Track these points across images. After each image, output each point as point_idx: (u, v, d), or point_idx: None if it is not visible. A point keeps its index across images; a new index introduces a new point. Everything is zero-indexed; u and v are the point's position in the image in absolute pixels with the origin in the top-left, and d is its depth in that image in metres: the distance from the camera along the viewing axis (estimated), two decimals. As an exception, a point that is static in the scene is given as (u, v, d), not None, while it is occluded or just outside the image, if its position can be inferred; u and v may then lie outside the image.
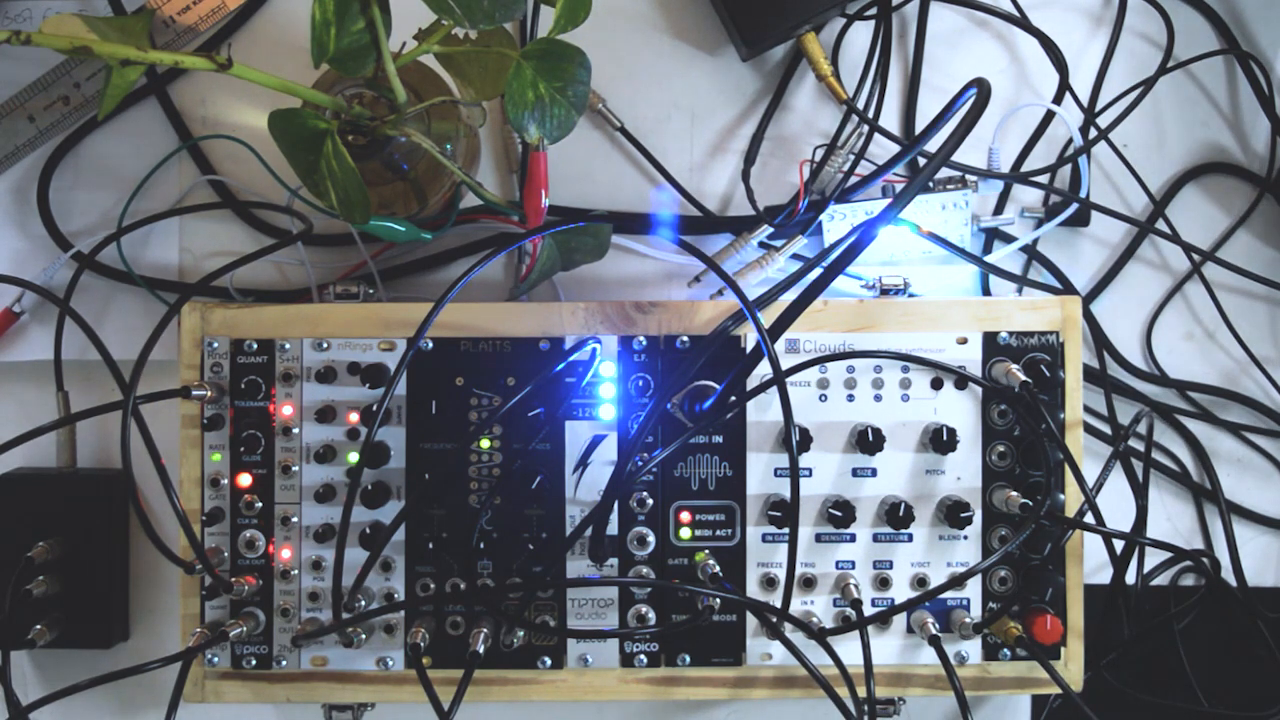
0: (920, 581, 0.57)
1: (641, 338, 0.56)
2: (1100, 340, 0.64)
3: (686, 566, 0.57)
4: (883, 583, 0.57)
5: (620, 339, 0.56)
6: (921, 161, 0.61)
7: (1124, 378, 0.65)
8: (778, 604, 0.55)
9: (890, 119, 0.63)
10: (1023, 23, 0.62)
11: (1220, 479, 0.65)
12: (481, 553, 0.56)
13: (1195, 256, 0.64)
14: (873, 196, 0.61)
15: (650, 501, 0.56)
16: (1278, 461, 0.65)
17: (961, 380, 0.56)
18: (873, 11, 0.61)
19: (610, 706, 0.64)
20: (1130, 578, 0.62)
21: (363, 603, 0.55)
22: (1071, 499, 0.56)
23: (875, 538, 0.57)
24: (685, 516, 0.57)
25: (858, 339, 0.57)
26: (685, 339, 0.56)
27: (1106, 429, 0.63)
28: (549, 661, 0.57)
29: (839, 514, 0.55)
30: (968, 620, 0.56)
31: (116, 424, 0.54)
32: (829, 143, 0.60)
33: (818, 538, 0.57)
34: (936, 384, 0.57)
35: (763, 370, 0.54)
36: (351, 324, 0.56)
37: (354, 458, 0.56)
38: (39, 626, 0.58)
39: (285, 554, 0.57)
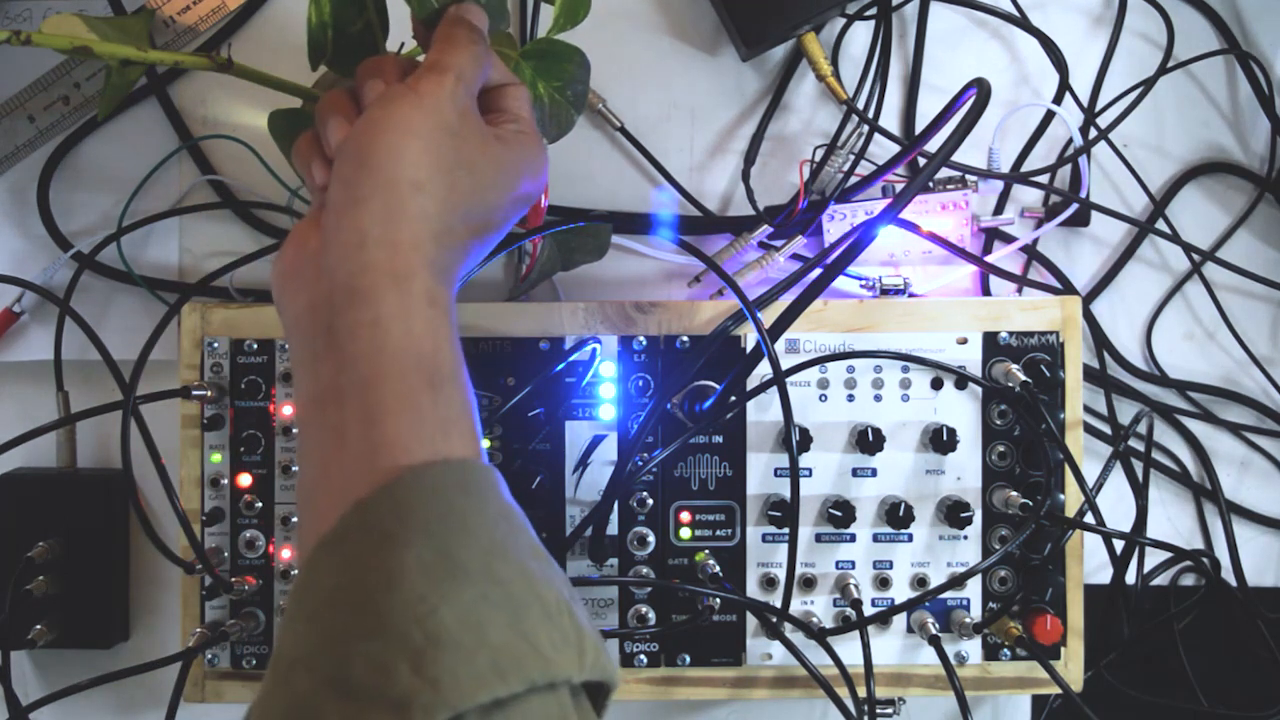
0: (920, 581, 0.57)
1: (641, 338, 0.56)
2: (1100, 340, 0.64)
3: (686, 566, 0.57)
4: (883, 583, 0.57)
5: (620, 339, 0.56)
6: (921, 161, 0.61)
7: (1124, 378, 0.65)
8: (778, 604, 0.55)
9: (890, 119, 0.63)
10: (1023, 23, 0.62)
11: (1220, 479, 0.65)
12: (481, 553, 0.56)
13: (1195, 256, 0.64)
14: (873, 196, 0.61)
15: (650, 501, 0.56)
16: (1278, 461, 0.65)
17: (961, 380, 0.56)
18: (873, 11, 0.61)
19: (610, 706, 0.64)
20: (1130, 578, 0.62)
21: (363, 603, 0.55)
22: (1071, 499, 0.56)
23: (875, 538, 0.57)
24: (685, 516, 0.57)
25: (858, 339, 0.57)
26: (685, 339, 0.56)
27: (1106, 429, 0.63)
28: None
29: (839, 514, 0.55)
30: (968, 620, 0.56)
31: (116, 424, 0.54)
32: (829, 143, 0.60)
33: (818, 538, 0.57)
34: (936, 384, 0.57)
35: (763, 370, 0.54)
36: (351, 324, 0.56)
37: (354, 458, 0.56)
38: (39, 626, 0.58)
39: (285, 554, 0.57)
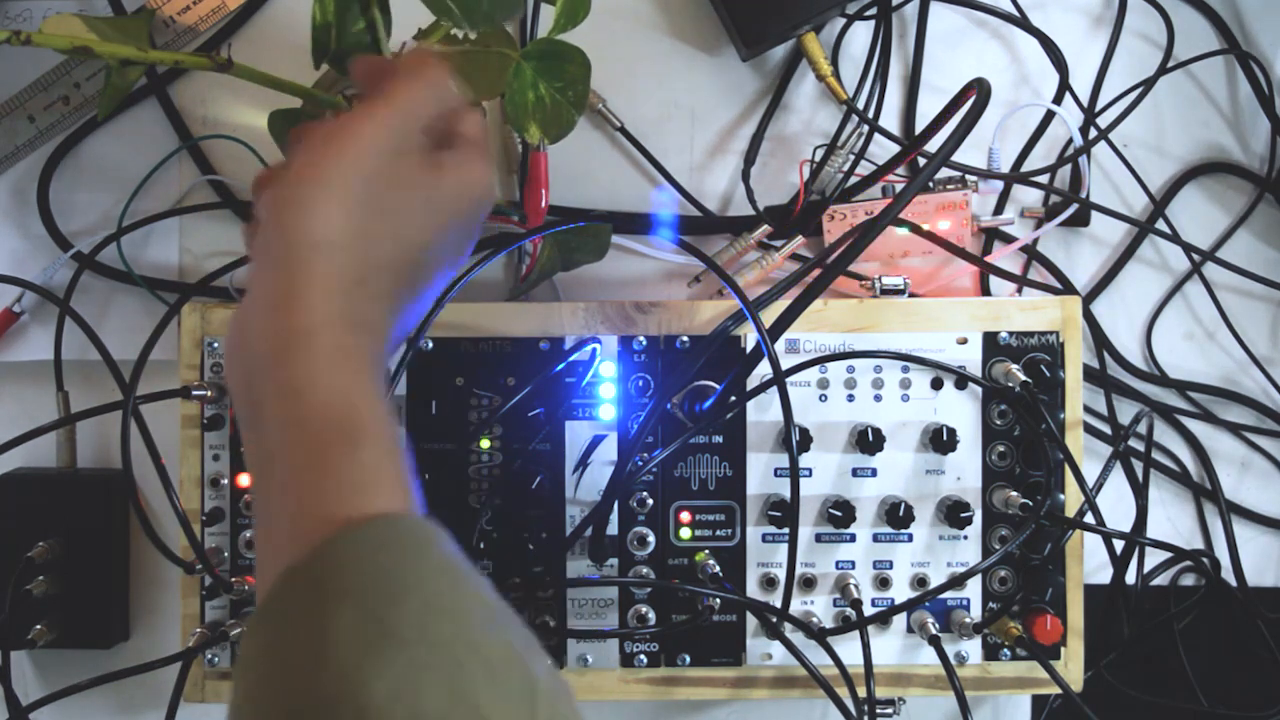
0: (920, 581, 0.57)
1: (641, 338, 0.56)
2: (1100, 340, 0.64)
3: (686, 566, 0.57)
4: (883, 583, 0.57)
5: (620, 339, 0.56)
6: (921, 161, 0.61)
7: (1124, 378, 0.65)
8: (778, 604, 0.55)
9: (890, 119, 0.63)
10: (1023, 23, 0.62)
11: (1220, 479, 0.65)
12: (481, 553, 0.56)
13: (1195, 256, 0.64)
14: (873, 196, 0.61)
15: (650, 501, 0.56)
16: (1278, 461, 0.65)
17: (961, 380, 0.56)
18: (873, 11, 0.61)
19: (610, 706, 0.64)
20: (1130, 578, 0.62)
21: (363, 603, 0.55)
22: (1071, 499, 0.56)
23: (875, 538, 0.57)
24: (685, 516, 0.57)
25: (858, 339, 0.57)
26: (685, 339, 0.56)
27: (1106, 429, 0.63)
28: (549, 661, 0.56)
29: (839, 514, 0.55)
30: (968, 620, 0.56)
31: (116, 424, 0.54)
32: (829, 143, 0.60)
33: (818, 538, 0.57)
34: (936, 384, 0.57)
35: (763, 370, 0.54)
36: (351, 324, 0.56)
37: (354, 458, 0.56)
38: (39, 626, 0.58)
39: (285, 554, 0.56)
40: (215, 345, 0.56)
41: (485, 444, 0.56)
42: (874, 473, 0.57)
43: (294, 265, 0.37)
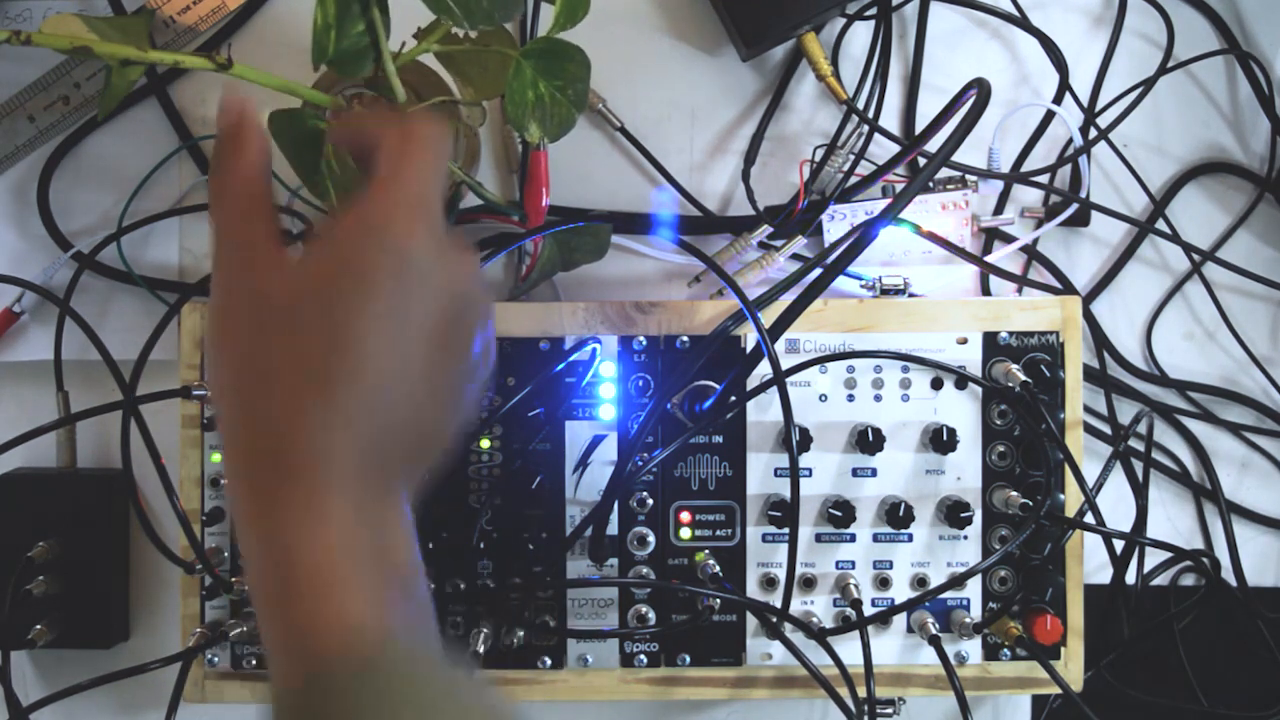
0: (920, 581, 0.57)
1: (641, 338, 0.56)
2: (1100, 340, 0.64)
3: (686, 566, 0.57)
4: (883, 583, 0.57)
5: (620, 339, 0.56)
6: (921, 161, 0.61)
7: (1124, 378, 0.65)
8: (778, 604, 0.55)
9: (890, 119, 0.63)
10: (1023, 23, 0.62)
11: (1220, 479, 0.65)
12: (481, 553, 0.56)
13: (1195, 256, 0.64)
14: (873, 196, 0.61)
15: (650, 501, 0.56)
16: (1278, 461, 0.65)
17: (961, 380, 0.56)
18: (873, 11, 0.61)
19: (610, 706, 0.64)
20: (1130, 578, 0.62)
21: (363, 603, 0.55)
22: (1071, 499, 0.56)
23: (875, 538, 0.57)
24: (685, 516, 0.57)
25: (858, 339, 0.57)
26: (685, 339, 0.56)
27: (1106, 429, 0.63)
28: (549, 661, 0.57)
29: (839, 514, 0.55)
30: (968, 620, 0.56)
31: (116, 424, 0.54)
32: (829, 143, 0.60)
33: (818, 538, 0.57)
34: (936, 384, 0.57)
35: (763, 370, 0.54)
36: (351, 324, 0.56)
37: (354, 458, 0.56)
38: (39, 626, 0.58)
39: (285, 554, 0.56)
40: (215, 345, 0.56)
41: (485, 444, 0.56)
42: (874, 473, 0.57)
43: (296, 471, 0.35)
